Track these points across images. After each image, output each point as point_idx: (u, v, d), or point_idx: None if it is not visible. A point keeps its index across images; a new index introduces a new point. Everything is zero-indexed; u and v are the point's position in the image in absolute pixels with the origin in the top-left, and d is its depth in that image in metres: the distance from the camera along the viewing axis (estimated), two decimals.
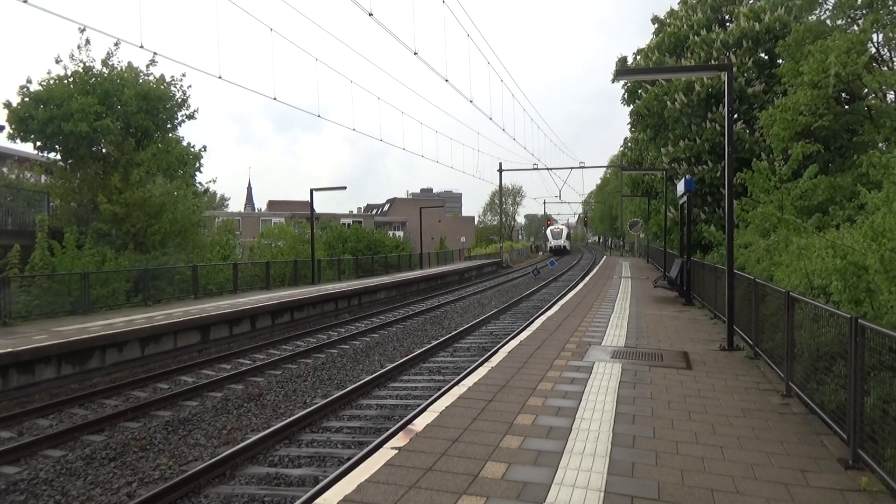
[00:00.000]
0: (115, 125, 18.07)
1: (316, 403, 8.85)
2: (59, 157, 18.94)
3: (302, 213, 48.94)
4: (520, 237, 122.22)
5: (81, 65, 18.83)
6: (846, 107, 16.33)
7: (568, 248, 74.38)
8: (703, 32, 23.47)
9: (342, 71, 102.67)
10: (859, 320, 4.40)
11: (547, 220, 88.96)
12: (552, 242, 73.71)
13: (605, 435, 5.11)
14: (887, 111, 14.45)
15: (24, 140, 18.17)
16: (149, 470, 6.62)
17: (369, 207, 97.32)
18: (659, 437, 5.06)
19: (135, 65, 20.16)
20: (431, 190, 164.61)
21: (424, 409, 6.64)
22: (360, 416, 8.42)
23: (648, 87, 24.55)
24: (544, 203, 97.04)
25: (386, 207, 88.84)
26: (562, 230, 75.14)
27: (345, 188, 38.39)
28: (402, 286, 25.79)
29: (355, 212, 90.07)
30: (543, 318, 12.65)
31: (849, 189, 12.78)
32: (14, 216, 18.37)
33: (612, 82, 11.23)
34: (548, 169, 48.95)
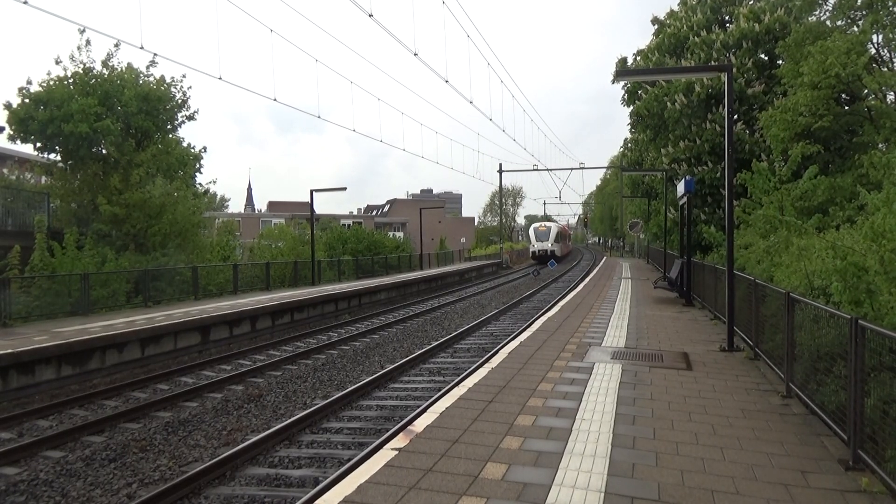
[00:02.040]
0: (115, 126, 18.08)
1: (316, 404, 8.85)
2: (59, 158, 18.95)
3: (302, 213, 48.92)
4: (520, 238, 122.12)
5: (81, 66, 18.85)
6: (846, 107, 16.35)
7: (558, 252, 53.40)
8: (703, 33, 23.50)
9: (342, 72, 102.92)
10: (859, 321, 4.40)
11: (548, 220, 78.59)
12: (535, 246, 54.42)
13: (605, 436, 5.11)
14: (887, 112, 14.46)
15: (24, 141, 18.20)
16: (149, 471, 6.62)
17: (369, 208, 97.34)
18: (659, 438, 5.06)
19: (135, 66, 20.19)
20: (431, 191, 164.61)
21: (424, 410, 6.65)
22: (361, 417, 8.42)
23: (648, 87, 24.58)
24: (544, 204, 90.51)
25: (386, 208, 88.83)
26: (549, 229, 54.71)
27: (345, 189, 38.42)
28: (402, 287, 25.79)
29: (355, 212, 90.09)
30: (543, 319, 12.64)
31: (849, 190, 12.78)
32: (14, 217, 18.37)
33: (612, 83, 11.23)
34: (548, 170, 48.96)
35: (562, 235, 58.12)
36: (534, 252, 54.36)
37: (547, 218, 78.30)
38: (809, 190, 12.95)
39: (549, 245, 53.28)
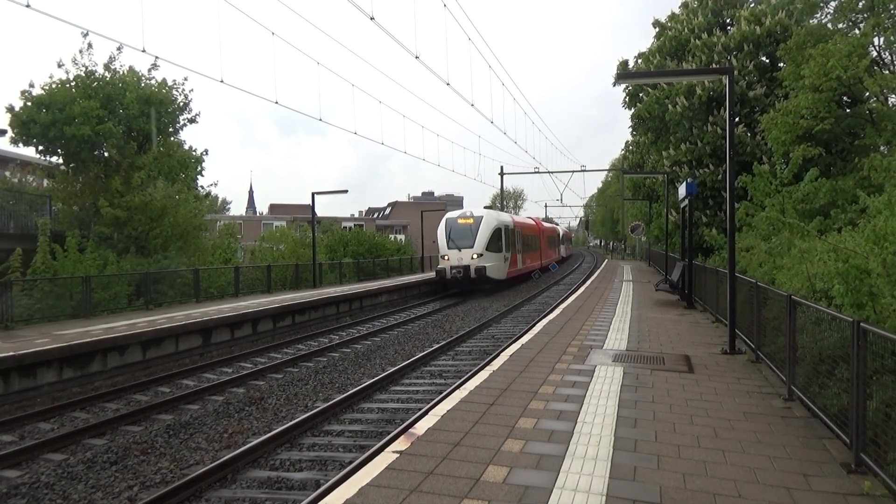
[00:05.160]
0: (117, 129, 18.13)
1: (317, 407, 8.85)
2: (60, 160, 19.00)
3: (303, 216, 48.95)
4: None
5: (84, 69, 18.92)
6: (847, 110, 16.34)
7: (492, 272, 26.32)
8: (704, 36, 23.50)
9: (344, 75, 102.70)
10: (861, 324, 4.39)
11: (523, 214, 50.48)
12: (446, 258, 26.72)
13: (606, 439, 5.10)
14: (888, 114, 14.45)
15: (26, 144, 18.24)
16: (150, 474, 6.62)
17: (371, 211, 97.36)
18: (661, 441, 5.06)
19: (137, 69, 20.27)
20: (433, 193, 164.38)
21: (426, 413, 6.64)
22: (362, 420, 8.41)
23: (650, 90, 24.58)
24: (545, 206, 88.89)
25: (387, 211, 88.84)
26: (473, 225, 27.11)
27: (346, 192, 38.44)
28: (403, 289, 25.77)
29: (357, 215, 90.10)
30: (545, 321, 12.64)
31: (850, 192, 12.76)
32: (16, 220, 18.41)
33: (614, 86, 11.26)
34: (549, 172, 48.44)
35: (509, 237, 28.89)
36: (440, 271, 26.39)
37: (548, 220, 58.61)
38: (811, 192, 12.94)
39: (472, 256, 25.83)
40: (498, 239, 27.23)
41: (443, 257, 26.65)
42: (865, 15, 15.23)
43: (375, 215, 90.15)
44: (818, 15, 17.40)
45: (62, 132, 17.41)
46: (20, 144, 18.26)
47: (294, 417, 8.46)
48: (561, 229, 60.46)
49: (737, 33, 22.46)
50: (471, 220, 26.99)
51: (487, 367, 8.00)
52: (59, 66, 18.72)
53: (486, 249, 26.19)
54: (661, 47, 25.17)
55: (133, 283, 16.41)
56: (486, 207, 31.91)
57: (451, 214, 28.34)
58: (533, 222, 39.59)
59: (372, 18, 13.74)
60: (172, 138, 21.63)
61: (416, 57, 16.45)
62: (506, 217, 30.91)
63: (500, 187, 53.20)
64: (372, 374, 11.27)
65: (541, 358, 8.53)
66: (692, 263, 15.21)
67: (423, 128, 34.15)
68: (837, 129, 15.29)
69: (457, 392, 6.70)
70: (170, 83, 20.75)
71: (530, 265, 34.34)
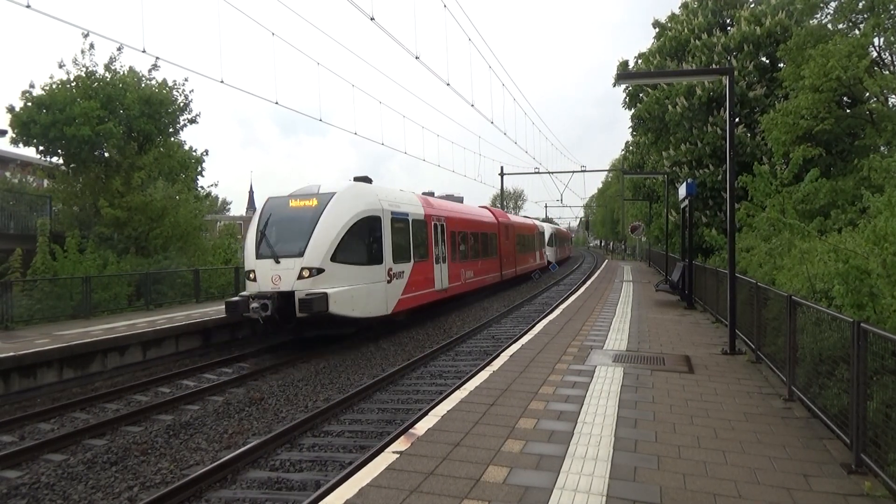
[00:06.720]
0: (118, 129, 18.13)
1: (317, 407, 8.85)
2: (61, 161, 19.00)
3: None
4: None
5: (84, 69, 18.93)
6: (847, 110, 16.35)
7: (342, 305, 12.45)
8: (704, 36, 23.50)
9: (344, 75, 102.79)
10: (862, 324, 4.40)
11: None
12: (256, 281, 12.63)
13: (606, 439, 5.10)
14: (889, 115, 14.45)
15: (26, 144, 18.25)
16: (150, 474, 6.62)
17: None
18: (661, 442, 5.06)
19: (137, 69, 20.27)
20: (433, 193, 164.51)
21: (426, 413, 6.63)
22: (362, 420, 8.41)
23: (650, 90, 24.58)
24: (545, 206, 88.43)
25: None
26: (324, 202, 13.21)
27: None
28: None
29: None
30: (545, 321, 12.65)
31: (850, 193, 12.77)
32: (16, 220, 18.42)
33: (614, 86, 11.27)
34: (549, 173, 48.39)
35: (408, 234, 15.87)
36: (231, 302, 12.40)
37: (548, 221, 55.64)
38: (811, 193, 12.94)
39: (301, 273, 12.39)
40: (372, 238, 14.28)
41: (248, 275, 13.28)
42: (865, 15, 15.24)
43: None
44: (818, 15, 17.40)
45: (62, 132, 17.41)
46: (20, 145, 18.27)
47: (294, 418, 8.46)
48: (549, 227, 47.22)
49: (737, 34, 22.46)
50: (312, 203, 13.60)
51: (488, 368, 8.00)
52: (61, 66, 18.74)
53: (335, 259, 12.99)
54: (662, 48, 25.16)
55: (133, 283, 16.42)
56: (356, 179, 16.21)
57: (276, 193, 14.45)
58: (489, 213, 26.93)
59: (372, 19, 13.74)
60: (173, 139, 21.63)
61: (417, 57, 16.45)
62: (402, 197, 16.91)
63: (500, 187, 53.22)
64: (372, 374, 11.26)
65: (541, 358, 8.54)
66: (692, 264, 15.21)
67: (424, 128, 34.23)
68: (837, 129, 15.29)
69: (457, 392, 6.71)
70: (170, 84, 20.76)
71: (471, 281, 21.77)
